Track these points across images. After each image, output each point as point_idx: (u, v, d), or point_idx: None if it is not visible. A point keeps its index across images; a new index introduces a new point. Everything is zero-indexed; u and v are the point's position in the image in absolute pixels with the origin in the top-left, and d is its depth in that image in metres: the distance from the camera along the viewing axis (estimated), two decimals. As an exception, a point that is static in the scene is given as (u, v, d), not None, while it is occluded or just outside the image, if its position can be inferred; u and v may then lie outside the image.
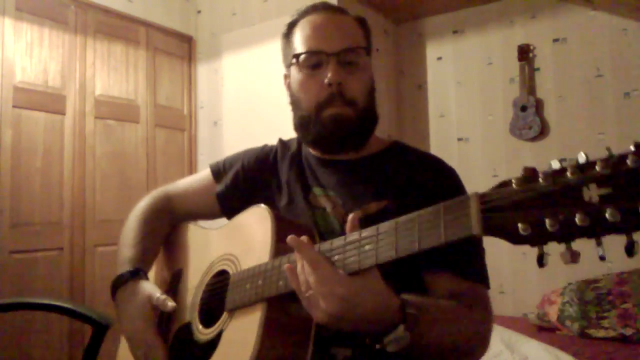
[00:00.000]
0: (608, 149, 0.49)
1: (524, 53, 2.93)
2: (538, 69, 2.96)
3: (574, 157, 0.50)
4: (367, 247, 0.67)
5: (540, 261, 0.54)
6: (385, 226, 0.67)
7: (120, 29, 2.88)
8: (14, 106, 2.37)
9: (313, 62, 0.92)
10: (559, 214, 0.49)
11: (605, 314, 2.21)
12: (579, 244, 0.51)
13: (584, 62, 2.83)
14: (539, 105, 2.92)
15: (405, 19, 3.44)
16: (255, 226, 0.87)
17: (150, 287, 0.94)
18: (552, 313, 2.35)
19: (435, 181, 0.91)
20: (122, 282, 0.95)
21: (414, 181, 0.91)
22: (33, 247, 2.40)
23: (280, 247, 0.80)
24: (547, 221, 0.50)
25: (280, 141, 1.10)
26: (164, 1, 3.11)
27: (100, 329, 1.33)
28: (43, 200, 2.45)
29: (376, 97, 0.98)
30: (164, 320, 0.95)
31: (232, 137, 3.09)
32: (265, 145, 1.11)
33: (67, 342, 2.47)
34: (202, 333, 0.88)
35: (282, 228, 0.82)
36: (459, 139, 3.21)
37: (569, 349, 2.07)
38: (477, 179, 3.01)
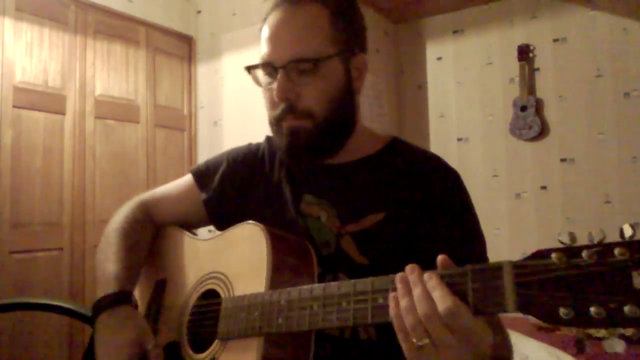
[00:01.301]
0: None
1: (524, 53, 2.93)
2: (538, 69, 2.96)
3: (621, 228, 0.46)
4: (381, 301, 0.61)
5: (581, 347, 0.49)
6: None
7: (120, 29, 2.88)
8: (14, 106, 2.37)
9: (266, 73, 0.85)
10: (607, 303, 0.45)
11: (606, 314, 2.21)
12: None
13: (584, 62, 2.83)
14: (539, 105, 2.92)
15: (405, 19, 3.44)
16: (249, 247, 0.81)
17: (143, 326, 0.84)
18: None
19: (435, 187, 0.86)
20: (108, 305, 0.84)
21: (413, 187, 0.85)
22: (33, 247, 2.40)
23: (277, 274, 0.77)
24: (593, 309, 0.46)
25: (268, 139, 1.00)
26: (164, 1, 3.11)
27: (100, 329, 1.33)
28: (43, 200, 2.45)
29: (355, 99, 0.89)
30: None
31: (232, 137, 3.09)
32: (250, 144, 1.03)
33: (67, 342, 2.47)
34: (193, 358, 0.84)
35: (278, 252, 0.78)
36: (459, 139, 3.21)
37: (569, 349, 2.07)
38: (477, 179, 3.02)
